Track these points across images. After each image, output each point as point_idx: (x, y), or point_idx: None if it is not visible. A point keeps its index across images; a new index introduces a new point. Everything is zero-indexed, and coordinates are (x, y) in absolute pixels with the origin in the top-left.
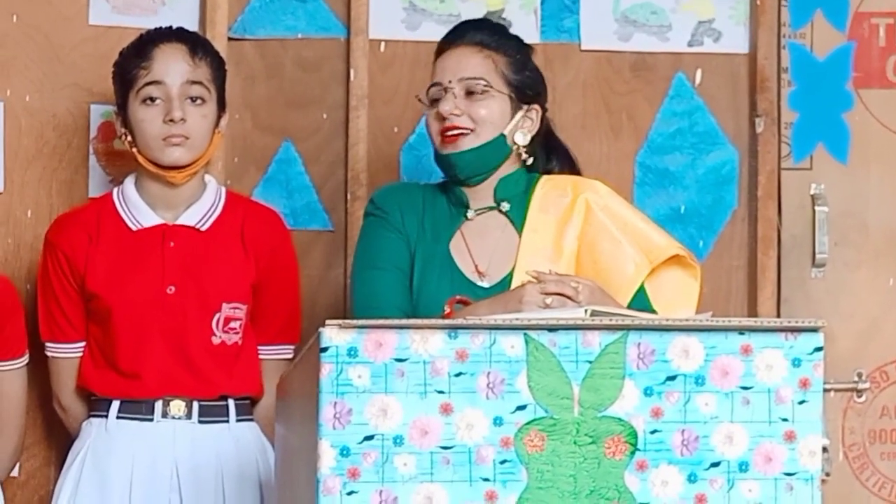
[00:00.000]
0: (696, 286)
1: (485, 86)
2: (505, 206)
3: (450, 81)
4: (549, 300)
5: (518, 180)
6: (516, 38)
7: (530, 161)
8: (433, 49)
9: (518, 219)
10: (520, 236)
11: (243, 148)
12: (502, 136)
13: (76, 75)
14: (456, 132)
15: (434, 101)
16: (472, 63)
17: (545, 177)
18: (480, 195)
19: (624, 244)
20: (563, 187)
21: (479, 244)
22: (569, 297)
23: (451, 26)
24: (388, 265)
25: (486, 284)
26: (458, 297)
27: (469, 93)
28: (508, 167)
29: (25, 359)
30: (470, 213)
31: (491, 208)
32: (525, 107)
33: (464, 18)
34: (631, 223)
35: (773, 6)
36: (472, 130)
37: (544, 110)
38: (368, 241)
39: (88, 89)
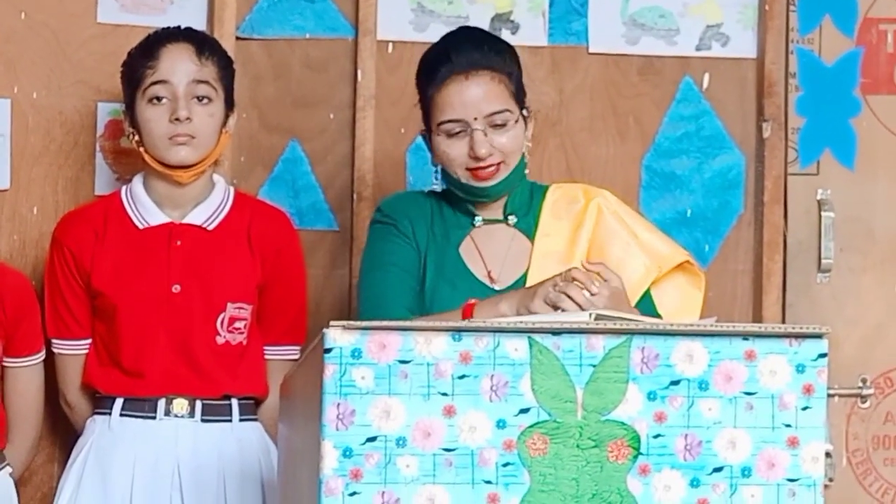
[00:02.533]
0: (699, 296)
1: (509, 116)
2: (512, 219)
3: (475, 119)
4: (565, 304)
5: (523, 191)
6: (506, 44)
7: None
8: None
9: (526, 227)
10: (532, 242)
11: (250, 147)
12: (522, 155)
13: (83, 73)
14: (491, 169)
15: (451, 135)
16: (493, 95)
17: (554, 185)
18: (489, 207)
19: (633, 247)
20: (573, 194)
21: (490, 249)
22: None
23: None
24: (395, 267)
25: (498, 288)
26: (473, 300)
27: (493, 125)
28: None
29: (42, 355)
30: (477, 221)
31: (498, 221)
32: (526, 113)
33: (471, 20)
34: (640, 232)
35: (782, 11)
36: (503, 162)
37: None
38: (376, 245)
39: (96, 87)
